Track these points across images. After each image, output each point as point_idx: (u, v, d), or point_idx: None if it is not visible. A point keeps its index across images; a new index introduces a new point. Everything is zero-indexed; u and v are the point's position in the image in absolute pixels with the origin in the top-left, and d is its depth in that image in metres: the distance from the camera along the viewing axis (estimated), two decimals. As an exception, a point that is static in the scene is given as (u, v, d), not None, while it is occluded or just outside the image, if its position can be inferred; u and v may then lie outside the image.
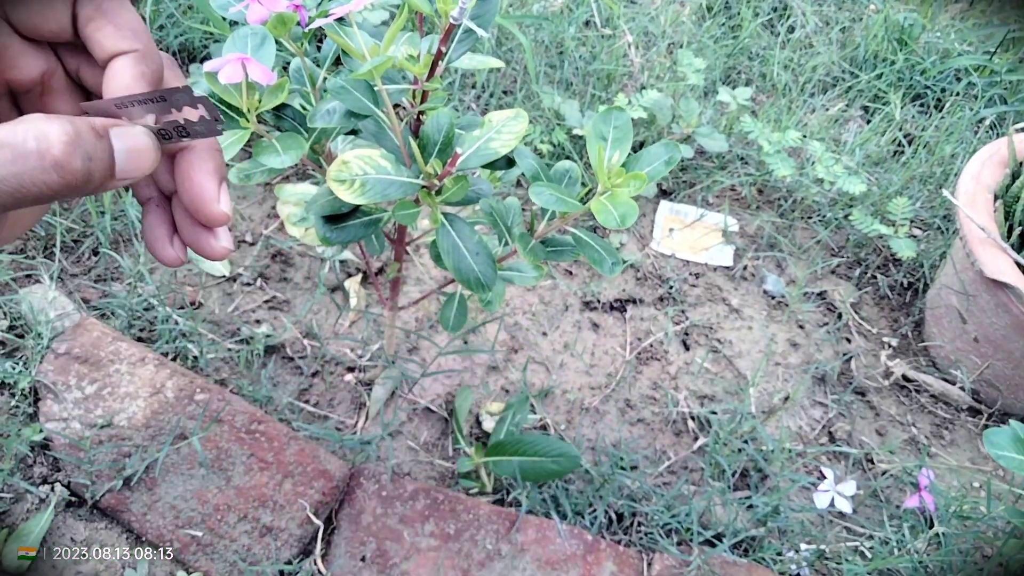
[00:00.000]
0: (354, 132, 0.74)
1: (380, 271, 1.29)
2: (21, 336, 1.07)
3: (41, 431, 0.96)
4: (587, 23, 1.74)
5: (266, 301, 1.22)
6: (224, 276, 1.23)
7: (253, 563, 0.89)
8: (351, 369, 1.15)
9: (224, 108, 0.62)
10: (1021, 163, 1.23)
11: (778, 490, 1.08)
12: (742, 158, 1.56)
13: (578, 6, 1.73)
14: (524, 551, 0.94)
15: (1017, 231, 1.15)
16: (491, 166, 0.73)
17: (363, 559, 0.92)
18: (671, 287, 1.36)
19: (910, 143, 1.66)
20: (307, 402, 1.11)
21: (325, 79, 0.74)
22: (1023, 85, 1.74)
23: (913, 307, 1.39)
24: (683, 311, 1.33)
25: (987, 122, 1.68)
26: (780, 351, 1.30)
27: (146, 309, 1.15)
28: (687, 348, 1.29)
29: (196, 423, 0.97)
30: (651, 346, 1.27)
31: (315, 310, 1.21)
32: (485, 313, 1.22)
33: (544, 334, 1.26)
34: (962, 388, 1.25)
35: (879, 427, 1.23)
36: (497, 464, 1.00)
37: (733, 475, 1.11)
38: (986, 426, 1.25)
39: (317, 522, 0.93)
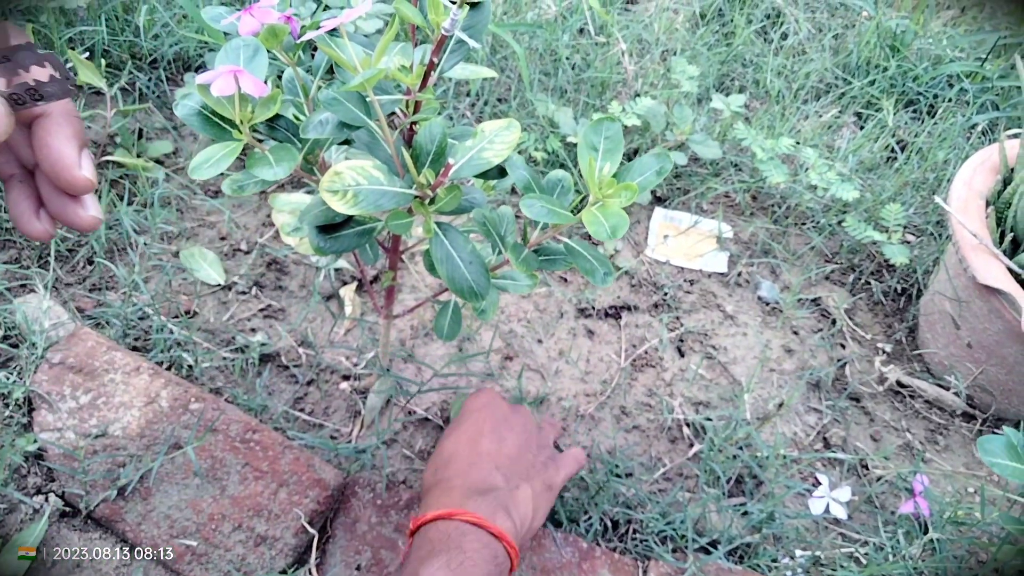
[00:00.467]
0: (347, 143, 0.74)
1: (375, 280, 1.30)
2: (15, 346, 1.07)
3: (35, 441, 0.96)
4: (581, 31, 1.75)
5: (261, 310, 1.22)
6: (219, 285, 1.23)
7: (248, 572, 0.89)
8: (346, 377, 1.15)
9: (217, 119, 0.62)
10: (1012, 169, 1.24)
11: (773, 496, 1.08)
12: (736, 165, 1.57)
13: (572, 14, 1.73)
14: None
15: (1009, 237, 1.16)
16: (484, 176, 0.73)
17: (358, 568, 0.92)
18: (666, 294, 1.36)
19: (903, 149, 1.67)
20: (302, 411, 1.11)
21: (319, 88, 0.74)
22: (1014, 91, 1.75)
23: (907, 313, 1.39)
24: (678, 318, 1.34)
25: (979, 128, 1.69)
26: (775, 357, 1.31)
27: (141, 318, 1.15)
28: (682, 355, 1.29)
29: (191, 432, 0.97)
30: (646, 353, 1.28)
31: (310, 318, 1.21)
32: (480, 321, 1.22)
33: (539, 341, 1.26)
34: (956, 394, 1.26)
35: (874, 433, 1.24)
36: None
37: (728, 482, 1.11)
38: (980, 431, 1.26)
39: (312, 531, 0.93)
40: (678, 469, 1.14)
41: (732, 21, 1.88)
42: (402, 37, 1.39)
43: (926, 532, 1.07)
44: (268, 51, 0.65)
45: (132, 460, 0.95)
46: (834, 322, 1.37)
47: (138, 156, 1.36)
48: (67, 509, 0.93)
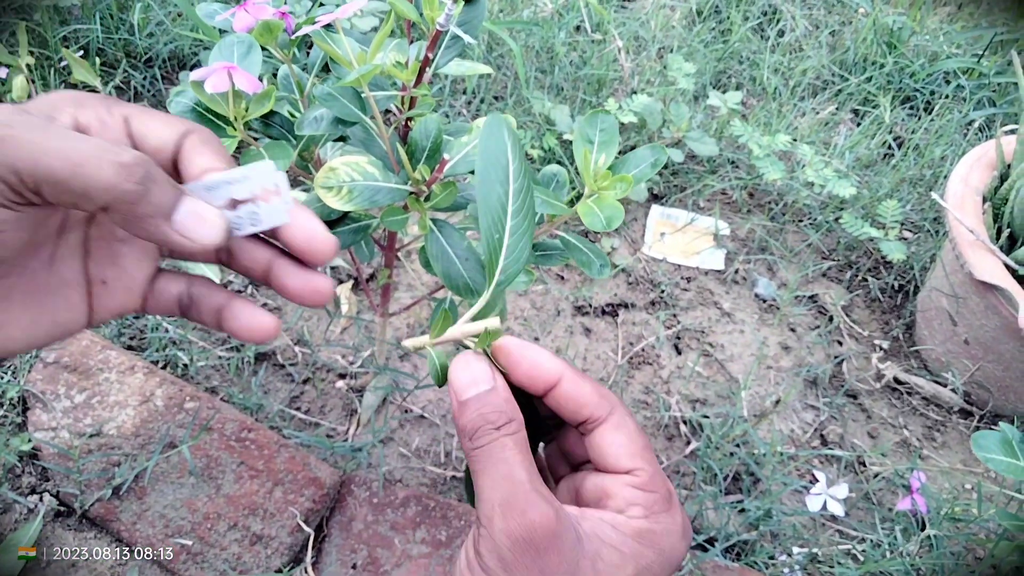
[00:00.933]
0: (342, 139, 0.74)
1: (371, 277, 1.29)
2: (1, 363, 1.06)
3: (30, 441, 0.95)
4: (577, 28, 1.75)
5: (257, 308, 1.21)
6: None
7: (243, 571, 0.89)
8: (342, 376, 1.15)
9: (211, 117, 0.62)
10: (1009, 165, 1.23)
11: (770, 494, 1.08)
12: (732, 162, 1.57)
13: (568, 11, 1.73)
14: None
15: (1006, 233, 1.16)
16: (479, 172, 0.73)
17: (354, 567, 0.91)
18: (663, 291, 1.36)
19: (900, 146, 1.67)
20: (298, 409, 1.11)
21: (314, 85, 0.74)
22: (1011, 88, 1.75)
23: (904, 309, 1.39)
24: (675, 315, 1.34)
25: (976, 124, 1.69)
26: (772, 354, 1.30)
27: (136, 317, 1.14)
28: (679, 352, 1.29)
29: (186, 431, 0.97)
30: (643, 350, 1.27)
31: (306, 317, 1.21)
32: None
33: (536, 339, 1.26)
34: (953, 390, 1.26)
35: (871, 429, 1.24)
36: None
37: (725, 479, 1.11)
38: (977, 428, 1.26)
39: (308, 530, 0.93)
40: (675, 466, 1.14)
41: (728, 18, 1.88)
42: (397, 33, 1.39)
43: (923, 529, 1.07)
44: (263, 48, 0.65)
45: (127, 459, 0.95)
46: (831, 319, 1.37)
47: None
48: (62, 508, 0.93)
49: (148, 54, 1.51)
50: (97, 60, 1.41)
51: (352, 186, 0.62)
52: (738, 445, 1.14)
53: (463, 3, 0.67)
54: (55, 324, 0.37)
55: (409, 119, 0.68)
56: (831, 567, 1.03)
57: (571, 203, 0.69)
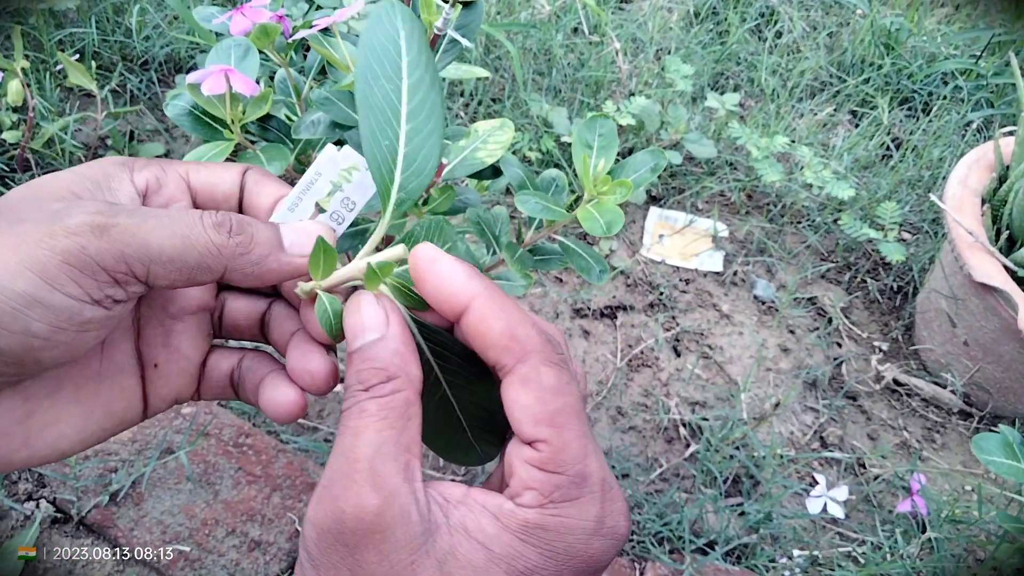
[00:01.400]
0: (340, 143, 0.74)
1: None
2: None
3: (26, 447, 0.95)
4: (575, 30, 1.74)
5: (254, 312, 1.21)
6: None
7: (242, 578, 0.88)
8: (341, 380, 1.15)
9: (208, 119, 0.62)
10: (1007, 167, 1.23)
11: (770, 496, 1.08)
12: (731, 164, 1.57)
13: (566, 13, 1.73)
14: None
15: (1005, 235, 1.16)
16: (478, 176, 0.73)
17: (353, 572, 0.91)
18: (661, 293, 1.36)
19: (898, 147, 1.67)
20: (296, 414, 1.10)
21: (311, 88, 0.73)
22: (1008, 89, 1.75)
23: (903, 311, 1.39)
24: (674, 317, 1.33)
25: (974, 125, 1.69)
26: (771, 356, 1.30)
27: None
28: (678, 354, 1.28)
29: (183, 437, 0.97)
30: (642, 353, 1.27)
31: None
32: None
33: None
34: (953, 391, 1.25)
35: (871, 431, 1.23)
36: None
37: (725, 482, 1.11)
38: (977, 429, 1.26)
39: (306, 535, 0.92)
40: (675, 469, 1.13)
41: (726, 19, 1.88)
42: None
43: (924, 531, 1.07)
44: (260, 51, 0.64)
45: (124, 465, 0.94)
46: (830, 320, 1.37)
47: (130, 158, 1.35)
48: (58, 515, 0.92)
49: (144, 57, 1.51)
50: (93, 64, 1.40)
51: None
52: (738, 448, 1.14)
53: (460, 7, 0.67)
54: (109, 415, 0.35)
55: (407, 123, 0.67)
56: (831, 570, 1.03)
57: (570, 207, 0.69)
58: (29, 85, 1.30)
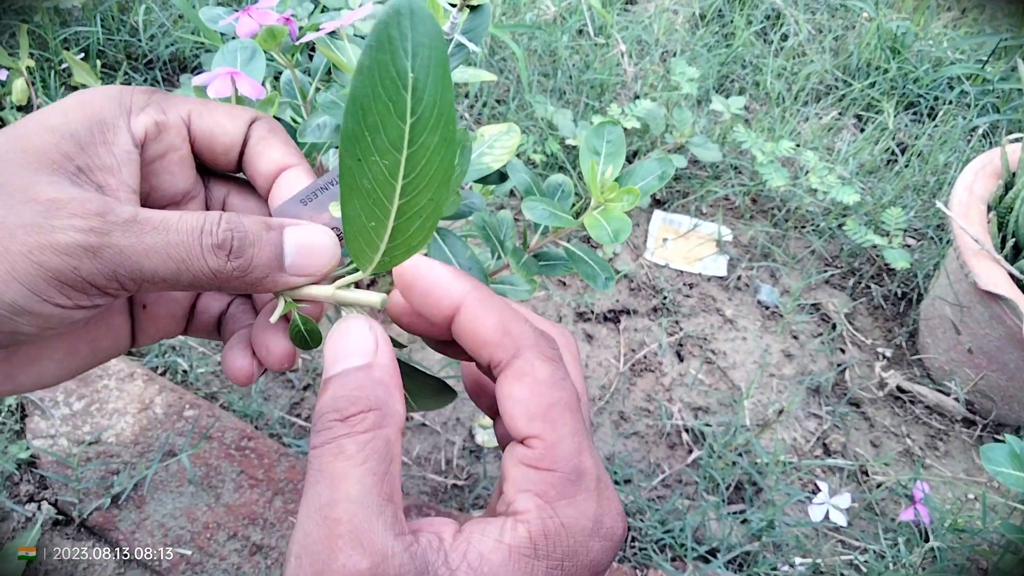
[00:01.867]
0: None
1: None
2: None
3: (28, 448, 0.95)
4: (580, 32, 1.74)
5: (257, 313, 1.21)
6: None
7: (243, 581, 0.88)
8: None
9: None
10: (1014, 174, 1.23)
11: (773, 504, 1.07)
12: (736, 168, 1.56)
13: (571, 15, 1.72)
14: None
15: (1010, 242, 1.15)
16: (484, 181, 0.72)
17: (355, 577, 0.91)
18: (665, 297, 1.35)
19: (903, 152, 1.66)
20: (298, 416, 1.10)
21: (317, 91, 0.73)
22: (1015, 94, 1.75)
23: (907, 318, 1.39)
24: (677, 322, 1.33)
25: (980, 131, 1.68)
26: (774, 362, 1.30)
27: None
28: (681, 359, 1.28)
29: (185, 439, 0.96)
30: (645, 357, 1.27)
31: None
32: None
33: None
34: (956, 399, 1.25)
35: (874, 438, 1.23)
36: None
37: (727, 489, 1.10)
38: (980, 437, 1.25)
39: (308, 539, 0.92)
40: (677, 476, 1.13)
41: (732, 22, 1.87)
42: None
43: (927, 540, 1.07)
44: (266, 53, 0.64)
45: (126, 467, 0.94)
46: (834, 326, 1.36)
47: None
48: (60, 517, 0.92)
49: (149, 56, 1.51)
50: (98, 62, 1.40)
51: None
52: (741, 454, 1.14)
53: (468, 11, 0.66)
54: (94, 352, 0.34)
55: (413, 128, 0.67)
56: (834, 578, 1.03)
57: (576, 213, 0.68)
58: (34, 84, 1.30)
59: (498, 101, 1.58)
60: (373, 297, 0.32)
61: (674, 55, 1.75)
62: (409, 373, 0.36)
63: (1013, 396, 1.19)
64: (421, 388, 0.37)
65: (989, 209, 1.21)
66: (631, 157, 1.53)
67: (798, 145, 1.56)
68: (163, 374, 1.09)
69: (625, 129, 1.45)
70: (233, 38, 0.64)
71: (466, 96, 1.56)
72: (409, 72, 0.26)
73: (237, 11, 0.66)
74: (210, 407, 1.01)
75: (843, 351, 1.34)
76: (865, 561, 1.06)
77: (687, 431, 1.18)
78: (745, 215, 1.51)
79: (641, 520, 1.04)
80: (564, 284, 1.36)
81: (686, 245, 1.44)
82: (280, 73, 0.73)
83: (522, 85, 1.52)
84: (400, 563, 0.25)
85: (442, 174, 0.29)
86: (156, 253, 0.28)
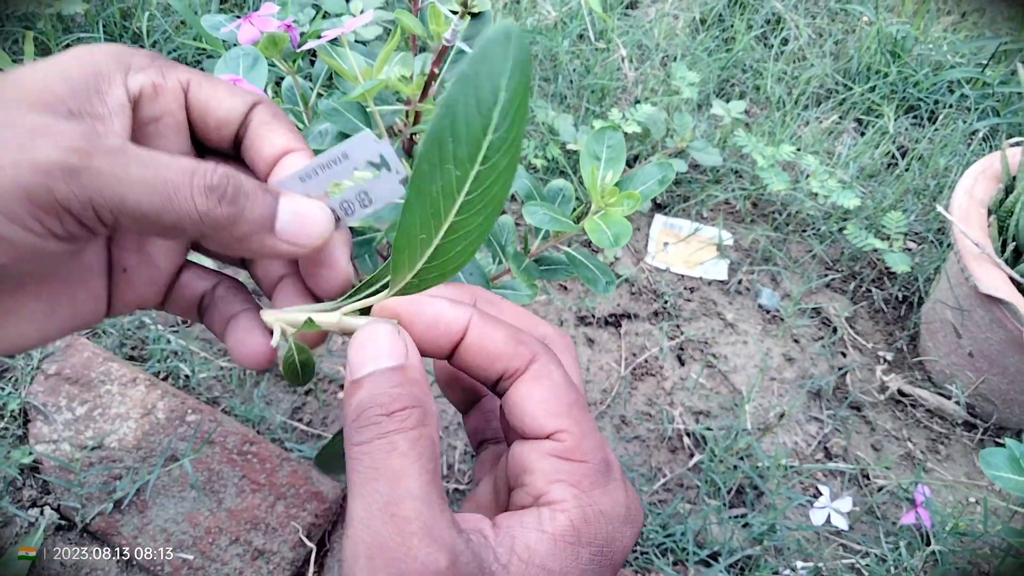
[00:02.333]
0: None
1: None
2: (10, 357, 1.06)
3: (31, 453, 0.95)
4: (581, 36, 1.74)
5: (259, 318, 1.21)
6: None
7: (245, 586, 0.88)
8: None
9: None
10: (1014, 177, 1.23)
11: (774, 508, 1.08)
12: (736, 172, 1.57)
13: (572, 19, 1.73)
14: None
15: (1011, 246, 1.15)
16: (484, 186, 0.73)
17: (356, 581, 0.91)
18: (666, 302, 1.36)
19: (903, 156, 1.66)
20: (300, 420, 1.10)
21: (319, 97, 0.73)
22: (1015, 98, 1.75)
23: (908, 321, 1.39)
24: (678, 326, 1.33)
25: (980, 134, 1.69)
26: (775, 366, 1.30)
27: (138, 327, 1.14)
28: (682, 363, 1.28)
29: (187, 444, 0.96)
30: (646, 361, 1.27)
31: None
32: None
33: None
34: (957, 403, 1.25)
35: (875, 442, 1.23)
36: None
37: (729, 492, 1.11)
38: (981, 441, 1.25)
39: (310, 544, 0.92)
40: (678, 479, 1.13)
41: (732, 27, 1.88)
42: (402, 46, 1.38)
43: (928, 544, 1.07)
44: (268, 59, 0.64)
45: (128, 472, 0.94)
46: (835, 330, 1.36)
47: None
48: (63, 522, 0.92)
49: (151, 62, 1.51)
50: (100, 68, 1.41)
51: (357, 202, 0.61)
52: (742, 458, 1.14)
53: (469, 18, 0.67)
54: (72, 315, 0.32)
55: (414, 134, 0.67)
56: (836, 582, 1.03)
57: (577, 218, 0.69)
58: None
59: (499, 106, 1.58)
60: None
61: (674, 59, 1.76)
62: None
63: (1014, 400, 1.19)
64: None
65: (989, 213, 1.21)
66: (632, 161, 1.53)
67: (798, 149, 1.56)
68: (165, 379, 1.09)
69: (626, 133, 1.45)
70: (235, 45, 0.64)
71: (467, 101, 1.56)
72: (502, 90, 0.27)
73: (239, 18, 0.66)
74: (212, 412, 1.01)
75: (844, 355, 1.34)
76: (867, 565, 1.06)
77: (688, 435, 1.18)
78: (746, 219, 1.52)
79: (642, 524, 1.04)
80: (565, 289, 1.36)
81: (687, 249, 1.44)
82: (282, 79, 0.74)
83: (523, 90, 1.53)
84: (467, 560, 0.26)
85: (499, 199, 0.29)
86: (141, 185, 0.27)
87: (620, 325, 1.32)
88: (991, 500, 1.16)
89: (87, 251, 0.32)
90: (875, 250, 1.43)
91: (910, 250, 1.47)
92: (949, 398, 1.26)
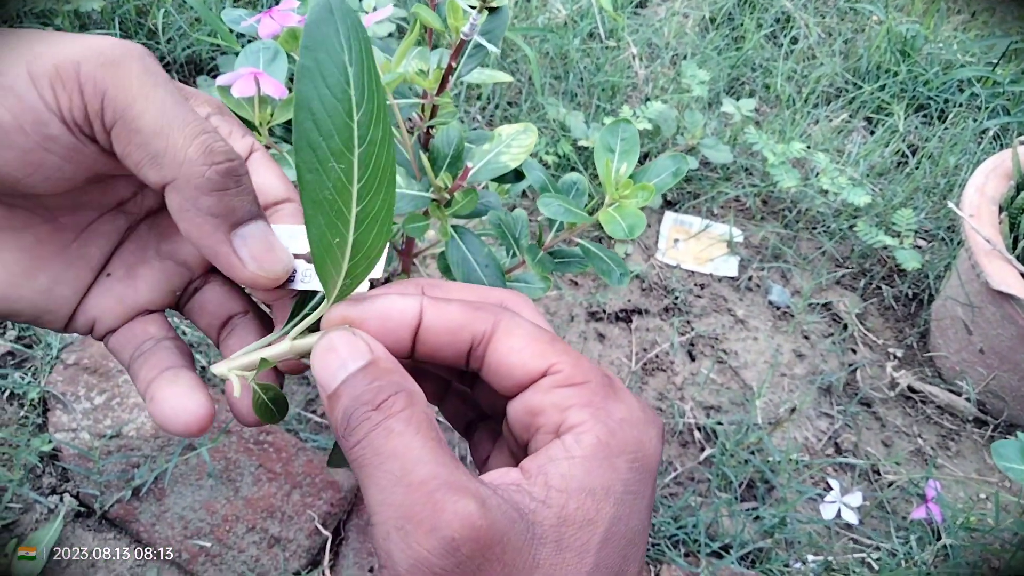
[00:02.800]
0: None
1: (387, 282, 1.30)
2: (30, 347, 1.07)
3: (50, 441, 0.96)
4: (591, 35, 1.75)
5: (273, 312, 1.22)
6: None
7: (261, 574, 0.89)
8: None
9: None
10: (1025, 174, 1.23)
11: (785, 501, 1.08)
12: (747, 169, 1.57)
13: (582, 18, 1.74)
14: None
15: (1022, 243, 1.15)
16: (500, 179, 0.74)
17: (371, 570, 0.92)
18: (676, 298, 1.36)
19: (914, 154, 1.67)
20: (315, 412, 1.11)
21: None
22: (1026, 96, 1.75)
23: (918, 318, 1.39)
24: (688, 322, 1.34)
25: (991, 133, 1.69)
26: (786, 362, 1.30)
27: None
28: (693, 359, 1.29)
29: (204, 434, 0.98)
30: (657, 357, 1.28)
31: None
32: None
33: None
34: (968, 399, 1.25)
35: (885, 438, 1.23)
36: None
37: (740, 486, 1.11)
38: (992, 437, 1.25)
39: (325, 533, 0.93)
40: (690, 473, 1.14)
41: (742, 25, 1.88)
42: (419, 40, 1.40)
43: (939, 538, 1.07)
44: (287, 54, 0.65)
45: (146, 461, 0.95)
46: (845, 327, 1.37)
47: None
48: (82, 509, 0.94)
49: (167, 59, 1.53)
50: (116, 65, 1.42)
51: (376, 192, 0.62)
52: (753, 452, 1.14)
53: (487, 12, 0.68)
54: (45, 293, 0.31)
55: (431, 127, 0.68)
56: (846, 575, 1.03)
57: (590, 212, 0.70)
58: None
59: (510, 103, 1.59)
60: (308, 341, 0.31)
61: (684, 58, 1.76)
62: None
63: (1025, 396, 1.20)
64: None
65: (1001, 210, 1.21)
66: (642, 159, 1.54)
67: (809, 147, 1.57)
68: (182, 371, 1.10)
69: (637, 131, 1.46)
70: (252, 40, 0.65)
71: (478, 98, 1.57)
72: (348, 66, 0.26)
73: (258, 13, 0.68)
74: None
75: (854, 351, 1.34)
76: (878, 559, 1.07)
77: (699, 429, 1.18)
78: (756, 216, 1.52)
79: (654, 516, 1.04)
80: (576, 284, 1.37)
81: (697, 246, 1.45)
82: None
83: (534, 87, 1.54)
84: (497, 503, 0.25)
85: (390, 171, 0.28)
86: (155, 107, 0.27)
87: (631, 321, 1.33)
88: (1002, 495, 1.16)
89: (93, 241, 0.33)
90: (885, 247, 1.43)
91: (920, 247, 1.47)
92: (959, 395, 1.27)
